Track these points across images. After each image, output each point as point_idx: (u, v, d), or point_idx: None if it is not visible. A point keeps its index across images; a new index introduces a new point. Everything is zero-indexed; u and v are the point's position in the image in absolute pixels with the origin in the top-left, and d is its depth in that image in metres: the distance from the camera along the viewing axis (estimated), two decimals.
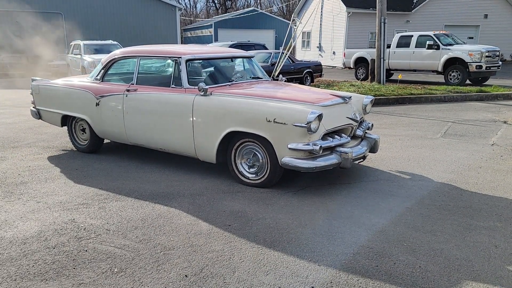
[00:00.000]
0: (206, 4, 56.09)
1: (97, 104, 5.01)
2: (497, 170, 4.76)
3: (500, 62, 13.42)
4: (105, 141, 5.62)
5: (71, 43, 17.99)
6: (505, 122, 7.59)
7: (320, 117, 3.72)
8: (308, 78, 13.52)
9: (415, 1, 25.15)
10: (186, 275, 2.57)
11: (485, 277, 2.57)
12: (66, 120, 5.58)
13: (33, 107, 5.88)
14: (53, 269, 2.63)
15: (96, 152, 5.49)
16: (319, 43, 27.43)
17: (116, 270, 2.63)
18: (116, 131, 5.00)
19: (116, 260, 2.74)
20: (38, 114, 5.82)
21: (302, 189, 4.10)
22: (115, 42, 17.02)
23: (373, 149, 4.54)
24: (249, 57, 5.32)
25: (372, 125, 4.77)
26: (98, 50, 15.90)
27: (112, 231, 3.17)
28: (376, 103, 9.25)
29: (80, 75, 12.19)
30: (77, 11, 24.59)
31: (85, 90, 5.14)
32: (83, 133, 5.51)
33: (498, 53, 13.26)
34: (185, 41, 42.14)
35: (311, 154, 3.78)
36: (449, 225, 3.31)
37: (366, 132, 4.57)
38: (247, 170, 4.20)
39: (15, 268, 2.65)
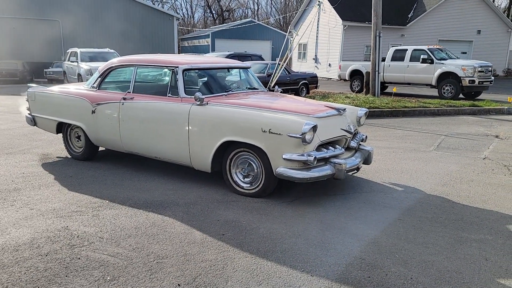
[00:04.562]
0: (204, 14, 56.54)
1: (93, 112, 5.03)
2: (488, 184, 4.81)
3: (493, 77, 13.63)
4: (100, 148, 5.62)
5: (68, 51, 18.04)
6: (496, 137, 7.69)
7: (314, 128, 3.77)
8: (304, 89, 13.63)
9: (410, 15, 25.56)
10: (179, 284, 2.57)
11: None
12: (61, 127, 5.58)
13: (28, 114, 5.88)
14: (45, 277, 2.62)
15: (91, 160, 5.48)
16: (315, 55, 27.48)
17: (108, 278, 2.62)
18: (112, 139, 5.01)
19: (109, 268, 2.74)
20: (33, 121, 5.82)
21: (296, 199, 4.12)
22: (112, 50, 17.09)
23: (366, 160, 4.59)
24: (246, 68, 5.38)
25: (366, 137, 4.83)
26: (95, 58, 15.95)
27: (105, 239, 3.17)
28: (371, 115, 9.33)
29: (76, 82, 12.20)
30: (74, 19, 24.68)
31: (81, 98, 5.16)
32: (78, 141, 5.51)
33: (490, 68, 13.47)
34: (182, 50, 42.35)
35: (305, 165, 3.81)
36: (440, 237, 3.35)
37: (360, 144, 4.62)
38: (242, 179, 4.22)
39: (7, 275, 2.64)
